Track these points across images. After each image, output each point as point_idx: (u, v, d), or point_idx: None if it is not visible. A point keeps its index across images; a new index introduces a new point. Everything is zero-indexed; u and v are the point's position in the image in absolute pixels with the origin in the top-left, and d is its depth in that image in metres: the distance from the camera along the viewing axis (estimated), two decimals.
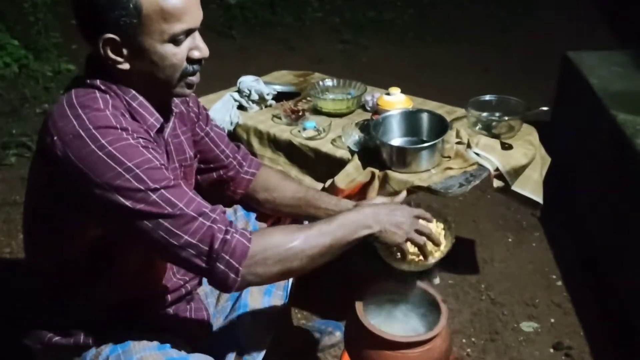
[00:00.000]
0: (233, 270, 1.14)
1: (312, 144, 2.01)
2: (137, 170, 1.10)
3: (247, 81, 2.25)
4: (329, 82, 2.33)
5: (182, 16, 1.14)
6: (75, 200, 1.14)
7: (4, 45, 4.14)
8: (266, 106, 2.27)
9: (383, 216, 1.31)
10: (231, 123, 2.16)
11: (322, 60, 4.76)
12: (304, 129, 2.06)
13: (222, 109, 2.19)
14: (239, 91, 2.25)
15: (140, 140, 1.14)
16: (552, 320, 2.24)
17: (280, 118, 2.16)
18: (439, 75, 4.48)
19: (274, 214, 1.67)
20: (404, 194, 1.59)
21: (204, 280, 1.56)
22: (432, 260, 1.42)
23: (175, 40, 1.16)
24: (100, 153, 1.09)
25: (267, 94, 2.24)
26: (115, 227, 1.16)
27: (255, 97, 2.23)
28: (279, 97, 2.31)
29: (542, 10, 5.62)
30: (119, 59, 1.16)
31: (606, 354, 2.08)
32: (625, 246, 2.24)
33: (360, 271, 1.78)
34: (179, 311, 1.47)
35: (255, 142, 2.13)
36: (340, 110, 2.19)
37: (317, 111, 2.22)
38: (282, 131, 2.09)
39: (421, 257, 1.41)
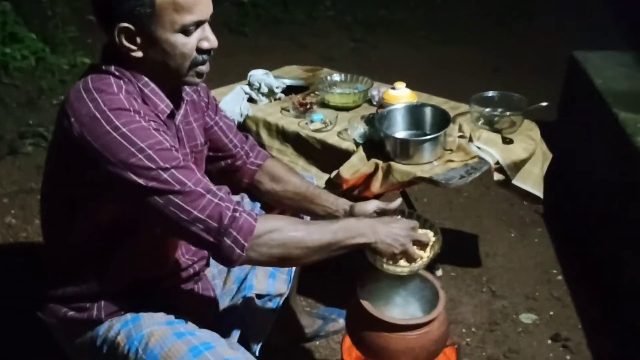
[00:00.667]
0: (239, 246, 1.20)
1: (319, 135, 2.07)
2: (149, 151, 1.16)
3: (257, 75, 2.32)
4: (336, 76, 2.39)
5: (193, 8, 1.21)
6: (91, 179, 1.20)
7: (22, 38, 4.22)
8: (275, 99, 2.34)
9: (381, 229, 1.38)
10: (241, 115, 2.23)
11: (332, 59, 4.81)
12: (312, 122, 2.12)
13: (232, 101, 2.25)
14: (249, 84, 2.32)
15: (152, 123, 1.21)
16: (551, 313, 2.29)
17: (288, 110, 2.22)
18: (448, 74, 4.52)
19: (275, 205, 1.73)
20: (399, 200, 1.63)
21: (212, 262, 1.63)
22: (418, 266, 1.48)
23: (186, 31, 1.22)
24: (114, 134, 1.15)
25: (277, 87, 2.31)
26: (128, 203, 1.23)
27: (264, 90, 2.30)
28: (288, 90, 2.38)
29: (550, 12, 5.63)
30: (133, 47, 1.23)
31: (603, 347, 2.12)
32: (626, 243, 2.28)
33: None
34: (187, 290, 1.53)
35: (264, 134, 2.20)
36: (347, 104, 2.25)
37: (324, 105, 2.28)
38: (291, 123, 2.15)
39: (408, 263, 1.47)
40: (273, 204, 1.71)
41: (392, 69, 4.50)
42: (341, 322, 2.17)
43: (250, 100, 2.31)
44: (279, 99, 2.34)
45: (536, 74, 4.35)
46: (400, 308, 1.65)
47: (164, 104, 1.30)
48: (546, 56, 4.60)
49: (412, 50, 5.18)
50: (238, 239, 1.20)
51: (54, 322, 1.42)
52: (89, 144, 1.16)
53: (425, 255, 1.48)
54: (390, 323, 1.48)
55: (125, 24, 1.19)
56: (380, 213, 1.57)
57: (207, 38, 1.27)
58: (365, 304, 1.51)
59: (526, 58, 4.79)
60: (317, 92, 2.37)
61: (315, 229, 1.31)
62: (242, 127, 2.23)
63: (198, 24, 1.24)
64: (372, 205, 1.58)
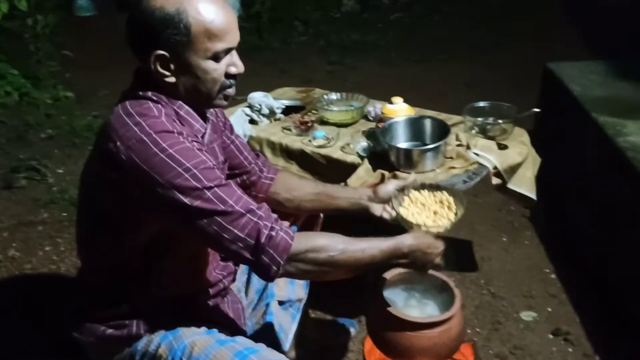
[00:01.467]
0: (275, 263, 1.26)
1: (323, 151, 2.16)
2: (195, 170, 1.22)
3: (258, 97, 2.41)
4: (333, 95, 2.50)
5: (224, 36, 1.29)
6: (137, 199, 1.26)
7: (4, 75, 4.23)
8: (275, 119, 2.43)
9: (420, 254, 1.45)
10: (244, 136, 2.31)
11: (312, 81, 4.91)
12: (314, 139, 2.22)
13: (235, 123, 2.32)
14: (250, 106, 2.41)
15: (195, 143, 1.28)
16: (549, 309, 2.40)
17: (290, 129, 2.31)
18: (424, 91, 4.61)
19: (297, 212, 1.79)
20: (413, 175, 1.73)
21: (237, 276, 1.70)
22: (444, 225, 1.55)
23: (217, 57, 1.31)
24: (162, 155, 1.21)
25: (277, 108, 2.40)
26: (173, 222, 1.29)
27: (265, 111, 2.39)
28: (286, 111, 2.48)
29: (519, 28, 5.88)
30: (167, 73, 1.30)
31: (602, 337, 2.24)
32: (611, 238, 2.41)
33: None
34: (217, 304, 1.58)
35: (268, 153, 2.28)
36: (346, 121, 2.36)
37: (323, 122, 2.38)
38: (294, 141, 2.25)
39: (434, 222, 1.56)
40: (293, 211, 1.76)
41: (370, 88, 4.59)
42: (352, 331, 2.24)
43: (252, 121, 2.40)
44: (279, 119, 2.44)
45: (509, 86, 4.52)
46: (417, 309, 1.73)
47: (199, 125, 1.38)
48: (517, 69, 4.81)
49: (388, 69, 5.33)
50: (275, 257, 1.26)
51: (91, 340, 1.46)
52: (137, 166, 1.21)
53: (452, 216, 1.56)
54: (414, 322, 1.55)
55: (161, 52, 1.27)
56: (400, 190, 1.65)
57: (235, 64, 1.35)
58: (389, 306, 1.59)
59: (498, 73, 4.97)
60: (314, 111, 2.47)
61: (354, 250, 1.34)
62: None
63: (227, 50, 1.32)
64: (392, 185, 1.67)
